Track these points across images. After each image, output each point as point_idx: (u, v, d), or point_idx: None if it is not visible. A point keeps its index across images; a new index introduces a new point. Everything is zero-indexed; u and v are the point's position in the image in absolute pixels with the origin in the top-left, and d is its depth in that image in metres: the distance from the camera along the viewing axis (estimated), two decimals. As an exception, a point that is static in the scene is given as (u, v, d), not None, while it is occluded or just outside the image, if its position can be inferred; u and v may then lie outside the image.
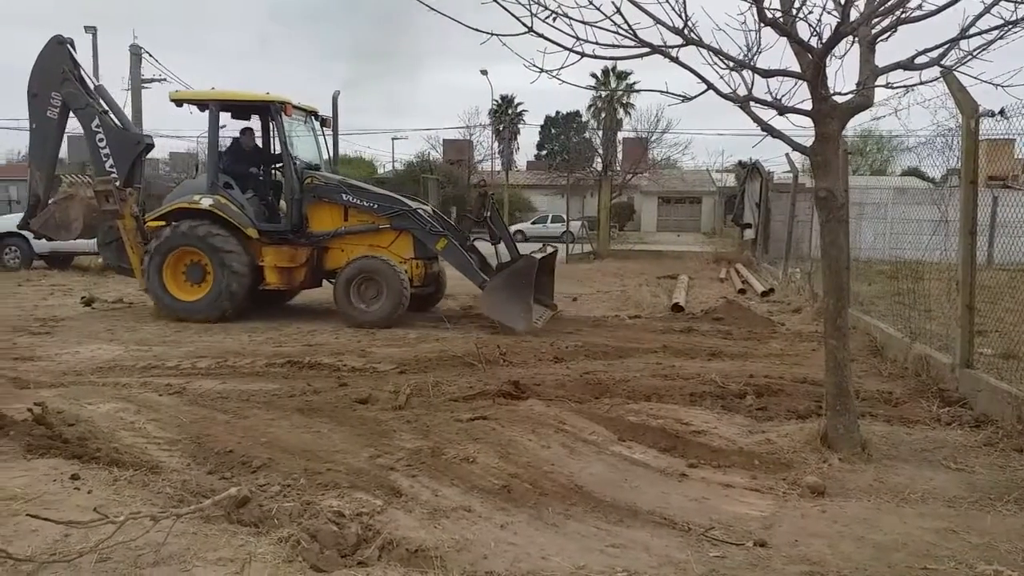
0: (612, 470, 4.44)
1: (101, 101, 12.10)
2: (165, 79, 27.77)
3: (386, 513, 3.61)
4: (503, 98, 56.52)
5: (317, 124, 11.37)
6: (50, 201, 13.11)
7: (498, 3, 3.96)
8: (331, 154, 11.57)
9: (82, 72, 11.99)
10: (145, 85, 26.24)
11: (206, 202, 10.08)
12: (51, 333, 8.97)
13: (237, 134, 11.02)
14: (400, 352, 7.99)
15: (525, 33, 4.03)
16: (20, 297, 12.36)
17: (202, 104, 10.55)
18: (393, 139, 56.82)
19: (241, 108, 10.88)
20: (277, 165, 10.85)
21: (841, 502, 3.98)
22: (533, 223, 43.12)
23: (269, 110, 10.49)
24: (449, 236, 10.19)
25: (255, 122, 11.12)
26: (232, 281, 9.90)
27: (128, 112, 24.53)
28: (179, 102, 10.77)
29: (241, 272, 9.94)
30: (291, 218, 10.31)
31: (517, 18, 3.98)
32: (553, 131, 61.28)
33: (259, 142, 11.16)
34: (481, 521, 3.63)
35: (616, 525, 3.65)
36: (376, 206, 10.32)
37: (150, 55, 26.36)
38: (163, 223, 10.29)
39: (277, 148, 10.58)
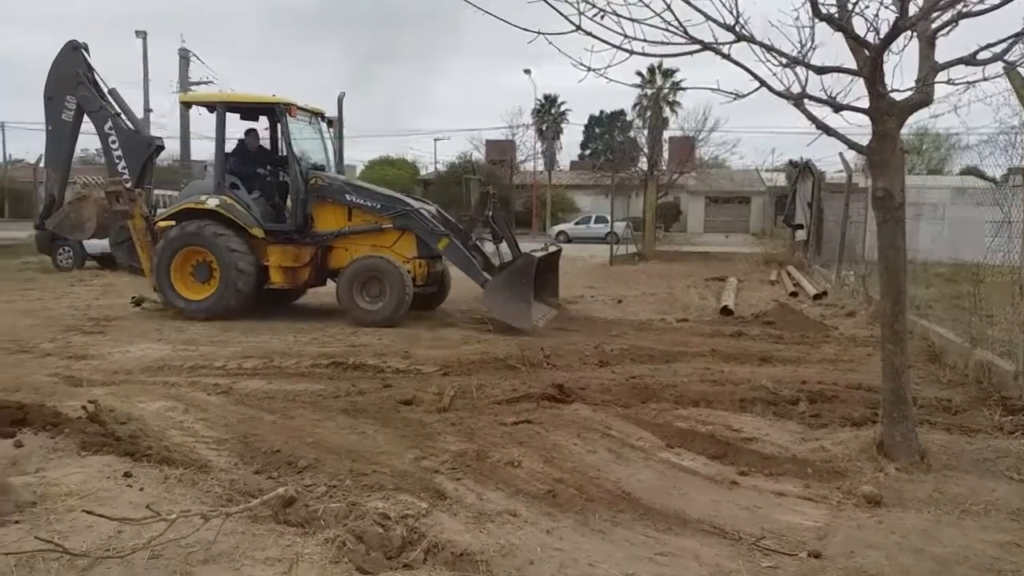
0: (660, 477, 4.37)
1: (114, 104, 12.42)
2: (212, 81, 28.47)
3: (431, 516, 3.60)
4: (546, 97, 56.48)
5: (324, 125, 11.53)
6: (65, 201, 13.53)
7: (546, 2, 3.92)
8: (337, 155, 11.67)
9: (96, 76, 12.30)
10: (193, 87, 26.88)
11: (212, 202, 10.29)
12: (103, 332, 9.20)
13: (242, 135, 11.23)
14: (443, 354, 8.00)
15: (573, 31, 3.98)
16: (74, 297, 12.72)
17: (210, 106, 10.81)
18: (436, 140, 57.03)
19: (248, 110, 11.10)
20: (284, 165, 11.00)
21: (899, 513, 3.85)
22: (576, 224, 42.97)
23: (274, 112, 10.67)
24: (451, 236, 10.27)
25: (263, 124, 11.32)
26: (237, 280, 10.07)
27: (176, 114, 25.14)
28: (188, 104, 11.00)
29: (246, 271, 10.12)
30: (296, 218, 10.46)
31: (565, 16, 3.94)
32: (597, 130, 61.05)
33: (268, 144, 11.35)
34: (527, 526, 3.59)
35: (665, 533, 3.59)
36: (379, 206, 10.44)
37: (197, 58, 27.06)
38: (172, 223, 10.52)
39: (283, 149, 10.75)
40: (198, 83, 27.92)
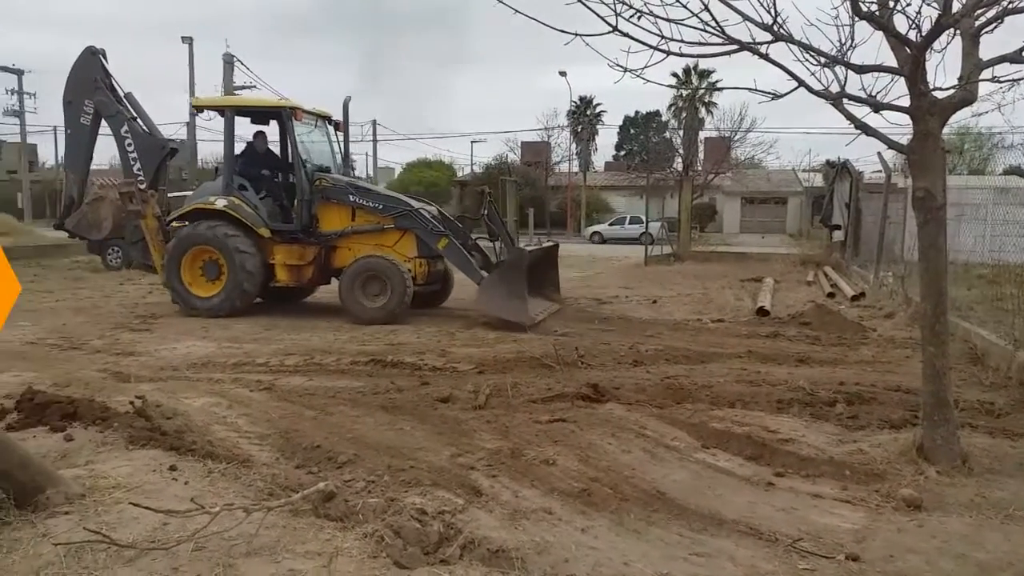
0: (695, 477, 4.36)
1: (130, 108, 12.75)
2: (255, 86, 28.92)
3: (467, 512, 3.64)
4: (581, 99, 56.25)
5: (330, 128, 11.78)
6: (84, 202, 13.96)
7: (583, 3, 3.94)
8: (343, 156, 11.98)
9: (113, 81, 12.65)
10: (236, 92, 27.32)
11: (220, 203, 10.59)
12: (150, 330, 9.43)
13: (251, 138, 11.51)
14: (479, 352, 8.05)
15: (609, 32, 3.99)
16: (122, 295, 13.02)
17: (220, 110, 11.20)
18: (472, 142, 57.28)
19: (255, 113, 11.45)
20: (291, 167, 11.20)
21: (940, 517, 3.79)
22: (611, 224, 42.73)
23: (280, 115, 10.93)
24: (450, 235, 10.47)
25: (273, 127, 11.55)
26: (244, 278, 10.35)
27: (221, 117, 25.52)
28: (200, 108, 11.35)
29: (253, 269, 10.39)
30: (301, 218, 10.69)
31: (602, 18, 3.95)
32: (632, 131, 60.69)
33: (277, 147, 11.58)
34: (561, 524, 3.61)
35: (700, 533, 3.58)
36: (381, 206, 10.67)
37: (241, 63, 27.47)
38: (183, 223, 10.85)
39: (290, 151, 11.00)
40: (241, 87, 28.39)
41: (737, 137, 40.20)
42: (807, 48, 4.12)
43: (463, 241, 10.71)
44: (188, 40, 30.11)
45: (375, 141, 48.61)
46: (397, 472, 4.17)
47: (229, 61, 27.17)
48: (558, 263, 12.23)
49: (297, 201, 10.74)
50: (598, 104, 58.48)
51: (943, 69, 4.23)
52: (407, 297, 10.15)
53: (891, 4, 4.03)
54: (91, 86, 12.62)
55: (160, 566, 3.01)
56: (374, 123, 48.05)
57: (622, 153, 61.39)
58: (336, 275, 10.90)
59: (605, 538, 3.49)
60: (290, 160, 10.89)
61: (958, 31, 4.13)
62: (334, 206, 10.78)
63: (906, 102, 4.28)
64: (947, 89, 4.26)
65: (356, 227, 10.75)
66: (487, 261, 10.82)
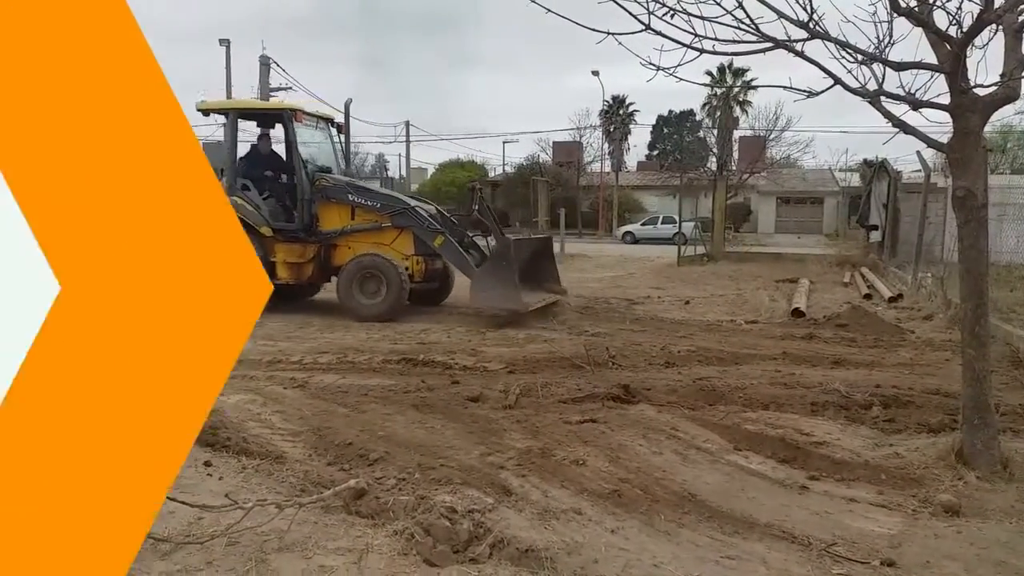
0: (728, 479, 4.32)
1: None
2: (291, 88, 29.28)
3: (497, 511, 3.64)
4: (614, 98, 55.97)
5: (333, 130, 11.99)
6: None
7: (615, 2, 3.92)
8: (345, 157, 12.21)
9: None
10: (273, 93, 27.69)
11: None
12: (187, 327, 9.59)
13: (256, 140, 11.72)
14: (509, 352, 8.06)
15: (642, 31, 3.97)
16: (160, 293, 13.27)
17: (225, 113, 11.51)
18: (504, 142, 57.17)
19: (259, 116, 11.74)
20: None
21: (979, 523, 3.71)
22: (643, 224, 42.44)
23: (282, 117, 11.13)
24: (446, 234, 10.57)
25: (278, 129, 11.70)
26: None
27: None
28: (205, 111, 11.61)
29: None
30: (302, 217, 10.87)
31: (634, 16, 3.93)
32: (665, 130, 60.31)
33: (283, 147, 11.76)
34: (591, 524, 3.60)
35: (732, 536, 3.54)
36: (379, 205, 10.83)
37: (277, 64, 27.80)
38: None
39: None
40: (277, 89, 28.77)
41: (772, 136, 39.84)
42: (844, 45, 4.06)
43: (460, 239, 10.82)
44: (225, 42, 30.58)
45: (408, 142, 48.86)
46: (427, 470, 4.19)
47: (265, 63, 27.53)
48: (554, 255, 12.31)
49: (298, 201, 10.93)
50: (631, 103, 58.17)
51: (985, 65, 4.14)
52: (403, 295, 10.30)
53: (931, 0, 3.96)
54: None
55: (195, 560, 3.06)
56: (407, 124, 48.28)
57: (655, 152, 61.05)
58: (336, 273, 11.07)
59: (635, 539, 3.47)
60: (292, 161, 11.09)
61: (1000, 27, 4.04)
62: (334, 205, 10.97)
63: (946, 99, 4.20)
64: (989, 86, 4.17)
65: (354, 225, 10.93)
66: (484, 259, 10.88)
